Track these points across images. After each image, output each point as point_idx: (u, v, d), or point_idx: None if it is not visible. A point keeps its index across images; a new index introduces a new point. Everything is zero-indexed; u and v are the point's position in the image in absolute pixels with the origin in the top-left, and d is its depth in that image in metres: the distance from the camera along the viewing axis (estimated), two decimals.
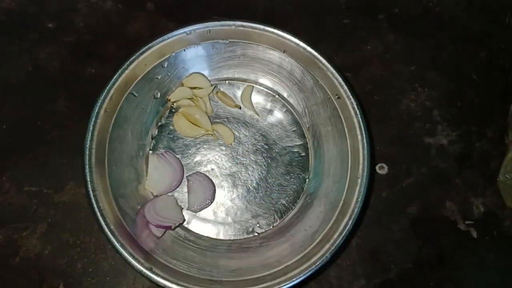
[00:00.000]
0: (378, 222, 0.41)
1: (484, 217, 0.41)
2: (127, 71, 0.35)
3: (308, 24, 0.47)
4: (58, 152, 0.40)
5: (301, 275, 0.31)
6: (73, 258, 0.37)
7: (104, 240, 0.38)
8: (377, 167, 0.42)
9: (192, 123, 0.40)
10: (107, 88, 0.35)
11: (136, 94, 0.37)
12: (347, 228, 0.33)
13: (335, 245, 0.32)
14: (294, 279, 0.31)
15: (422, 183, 0.42)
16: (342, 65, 0.41)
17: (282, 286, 0.31)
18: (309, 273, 0.31)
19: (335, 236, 0.33)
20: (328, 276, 0.39)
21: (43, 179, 0.39)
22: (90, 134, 0.33)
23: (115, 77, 0.35)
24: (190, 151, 0.40)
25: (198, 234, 0.37)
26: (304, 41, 0.37)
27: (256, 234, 0.38)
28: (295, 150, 0.40)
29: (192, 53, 0.39)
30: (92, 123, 0.34)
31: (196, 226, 0.38)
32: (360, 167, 0.34)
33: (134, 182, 0.37)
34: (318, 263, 0.32)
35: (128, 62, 0.35)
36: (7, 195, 0.39)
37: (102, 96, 0.34)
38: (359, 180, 0.34)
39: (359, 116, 0.35)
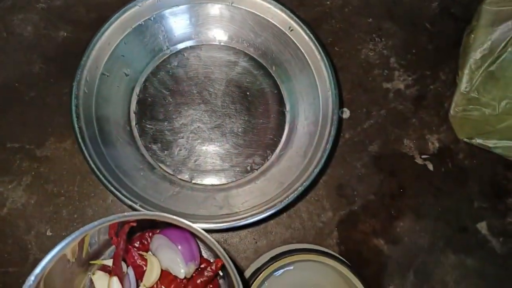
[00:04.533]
0: (343, 160, 0.44)
1: (439, 151, 0.45)
2: (93, 52, 0.38)
3: None
4: (36, 111, 0.42)
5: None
6: (58, 206, 0.40)
7: (87, 189, 0.40)
8: (339, 112, 0.45)
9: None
10: (79, 70, 0.37)
11: (107, 74, 0.39)
12: (323, 159, 0.37)
13: (318, 168, 0.37)
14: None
15: (382, 124, 0.45)
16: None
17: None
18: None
19: (310, 169, 0.37)
20: (299, 211, 0.42)
21: (25, 136, 0.41)
22: (74, 114, 0.36)
23: (83, 59, 0.37)
24: (173, 116, 0.42)
25: (204, 184, 0.41)
26: None
27: (255, 170, 0.41)
28: (268, 90, 0.44)
29: (149, 26, 0.41)
30: (74, 106, 0.36)
31: (200, 179, 0.41)
32: (327, 82, 0.39)
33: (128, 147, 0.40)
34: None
35: (93, 43, 0.38)
36: None
37: (77, 79, 0.37)
38: (331, 97, 0.38)
39: (314, 40, 0.39)
